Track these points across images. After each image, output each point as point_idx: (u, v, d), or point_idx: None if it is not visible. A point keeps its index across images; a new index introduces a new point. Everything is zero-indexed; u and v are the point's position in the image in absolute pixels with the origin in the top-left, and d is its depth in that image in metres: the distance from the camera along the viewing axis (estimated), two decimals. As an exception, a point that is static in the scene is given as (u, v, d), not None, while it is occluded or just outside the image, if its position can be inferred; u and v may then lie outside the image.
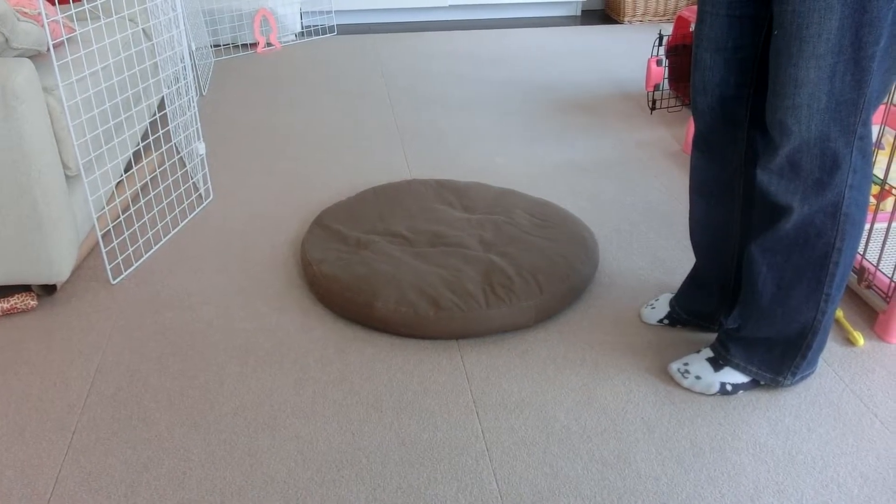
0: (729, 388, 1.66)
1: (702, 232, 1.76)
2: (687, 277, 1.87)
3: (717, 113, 1.58)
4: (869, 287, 1.91)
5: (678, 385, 1.70)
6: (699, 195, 1.72)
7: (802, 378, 1.67)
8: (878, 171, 2.02)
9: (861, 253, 1.94)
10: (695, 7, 3.13)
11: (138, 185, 2.45)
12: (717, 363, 1.68)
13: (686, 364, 1.71)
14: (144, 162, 2.54)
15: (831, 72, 1.30)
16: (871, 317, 1.91)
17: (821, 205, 1.43)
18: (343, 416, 1.62)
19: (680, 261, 2.16)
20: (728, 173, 1.64)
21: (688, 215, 2.38)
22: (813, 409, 1.63)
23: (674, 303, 1.89)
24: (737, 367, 1.66)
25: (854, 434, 1.57)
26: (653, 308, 1.92)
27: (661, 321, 1.89)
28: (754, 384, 1.67)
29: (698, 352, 1.74)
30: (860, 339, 1.82)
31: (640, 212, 2.42)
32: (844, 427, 1.59)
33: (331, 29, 4.44)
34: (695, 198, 1.74)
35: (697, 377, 1.68)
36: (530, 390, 1.69)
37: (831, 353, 1.79)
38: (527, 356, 1.80)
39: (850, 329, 1.84)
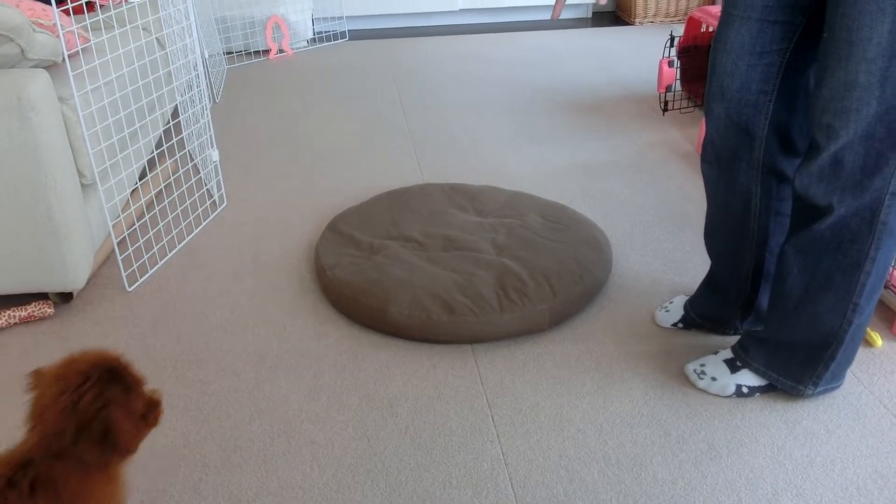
0: (745, 390, 1.65)
1: (717, 238, 1.75)
2: (702, 281, 1.86)
3: (734, 120, 1.56)
4: (886, 287, 1.89)
5: (693, 386, 1.69)
6: (714, 202, 1.71)
7: (826, 390, 1.64)
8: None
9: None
10: (706, 8, 3.12)
11: (153, 192, 2.47)
12: (734, 365, 1.67)
13: (703, 365, 1.70)
14: (159, 169, 2.56)
15: (882, 76, 1.27)
16: (889, 318, 1.89)
17: (858, 207, 1.39)
18: (358, 421, 1.63)
19: (694, 262, 2.15)
20: (743, 181, 1.62)
21: (701, 217, 2.37)
22: (831, 410, 1.62)
23: (688, 306, 1.88)
24: (756, 371, 1.64)
25: (874, 436, 1.56)
26: (667, 311, 1.91)
27: (675, 324, 1.89)
28: (771, 387, 1.66)
29: (716, 353, 1.73)
30: (878, 339, 1.80)
31: (654, 213, 2.41)
32: (864, 429, 1.58)
33: (342, 35, 4.45)
34: (710, 204, 1.73)
35: (713, 378, 1.67)
36: (545, 394, 1.69)
37: (848, 354, 1.78)
38: (541, 360, 1.80)
39: (868, 330, 1.83)
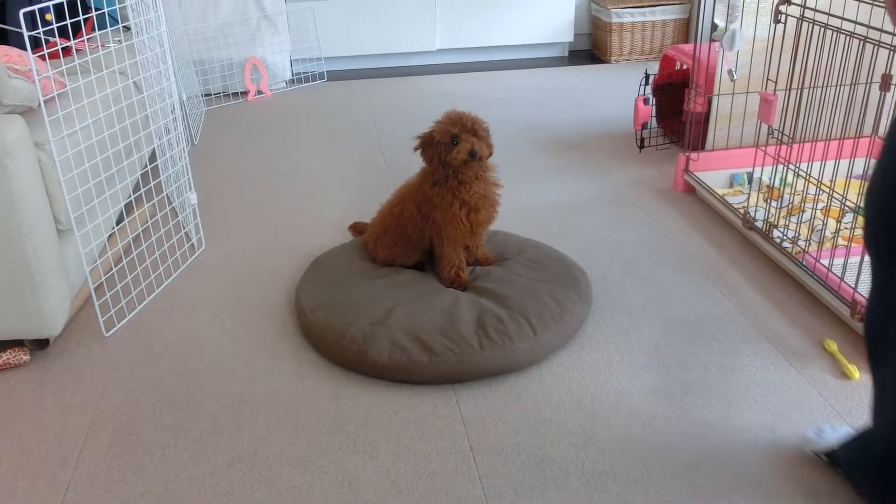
0: None
1: (872, 357, 1.42)
2: (856, 433, 1.50)
3: (875, 224, 1.28)
4: (862, 320, 1.91)
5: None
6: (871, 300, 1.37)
7: None
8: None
9: (853, 287, 1.95)
10: (680, 46, 3.17)
11: (130, 236, 2.46)
12: None
13: None
14: (136, 213, 2.55)
15: None
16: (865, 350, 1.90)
17: None
18: (339, 465, 1.61)
19: (673, 298, 2.16)
20: (891, 294, 1.31)
21: (679, 252, 2.38)
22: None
23: (840, 450, 1.52)
24: None
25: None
26: (818, 435, 1.59)
27: (817, 454, 1.57)
28: None
29: None
30: (855, 372, 1.82)
31: (632, 250, 2.43)
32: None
33: (321, 76, 4.48)
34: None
35: None
36: (527, 433, 1.68)
37: (827, 387, 1.79)
38: (522, 399, 1.79)
39: (846, 363, 1.84)
